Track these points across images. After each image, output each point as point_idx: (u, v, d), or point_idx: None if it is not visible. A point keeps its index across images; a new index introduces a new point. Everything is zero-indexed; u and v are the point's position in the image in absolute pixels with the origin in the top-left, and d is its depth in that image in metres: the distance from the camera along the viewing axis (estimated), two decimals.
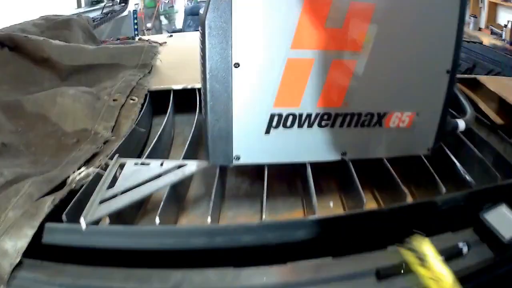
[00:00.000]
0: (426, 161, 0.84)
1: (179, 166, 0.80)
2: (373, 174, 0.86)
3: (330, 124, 0.78)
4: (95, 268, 0.64)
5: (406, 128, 0.81)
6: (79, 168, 0.84)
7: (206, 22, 0.68)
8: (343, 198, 0.86)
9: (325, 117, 0.77)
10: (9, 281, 0.62)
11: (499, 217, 0.63)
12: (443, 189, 0.75)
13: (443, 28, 0.77)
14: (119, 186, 0.79)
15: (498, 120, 1.06)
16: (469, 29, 4.77)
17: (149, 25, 5.80)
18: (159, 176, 0.79)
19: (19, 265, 0.63)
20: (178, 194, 0.83)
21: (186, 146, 0.90)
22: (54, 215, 0.70)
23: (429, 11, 0.76)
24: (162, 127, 0.99)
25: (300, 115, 0.77)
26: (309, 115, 0.77)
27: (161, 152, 0.97)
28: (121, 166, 0.86)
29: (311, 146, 0.79)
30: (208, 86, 0.71)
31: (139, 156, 0.92)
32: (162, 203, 0.73)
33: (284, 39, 0.72)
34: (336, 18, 0.73)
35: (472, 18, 4.99)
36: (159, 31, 6.14)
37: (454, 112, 0.94)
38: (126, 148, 0.93)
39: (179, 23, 6.51)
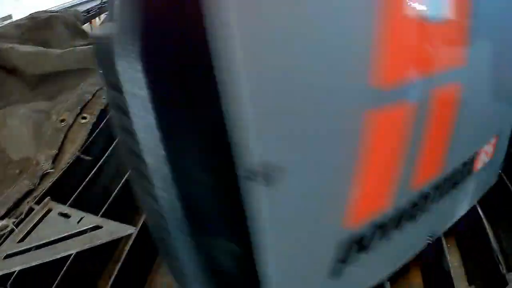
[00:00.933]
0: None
1: (94, 228, 0.64)
2: None
3: (422, 207, 0.44)
4: None
5: (489, 161, 0.52)
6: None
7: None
8: None
9: (421, 201, 0.42)
10: None
11: None
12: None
13: None
14: (32, 239, 0.67)
15: None
16: None
17: None
18: (71, 236, 0.64)
19: None
20: (90, 265, 0.66)
21: (112, 196, 0.73)
22: None
23: None
24: (106, 154, 0.83)
25: (394, 219, 0.40)
26: (400, 211, 0.41)
27: (100, 191, 0.80)
28: (48, 212, 0.73)
29: (393, 253, 0.45)
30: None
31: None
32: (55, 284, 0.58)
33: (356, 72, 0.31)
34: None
35: None
36: None
37: None
38: (63, 185, 0.79)
39: None
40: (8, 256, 0.65)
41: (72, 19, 1.45)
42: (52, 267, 0.61)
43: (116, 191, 0.73)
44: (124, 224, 0.64)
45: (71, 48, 1.16)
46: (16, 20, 1.44)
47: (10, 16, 2.32)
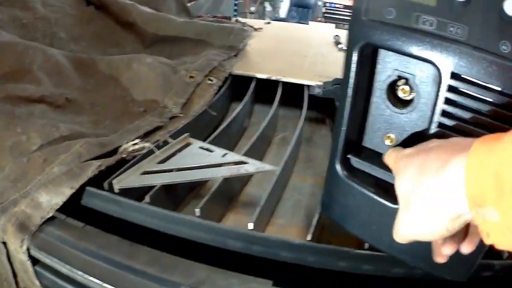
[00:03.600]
0: None
1: (239, 163, 0.77)
2: None
3: None
4: (123, 242, 0.66)
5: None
6: (136, 139, 0.85)
7: None
8: None
9: None
10: (35, 233, 0.65)
11: None
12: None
13: None
14: (171, 163, 0.80)
15: None
16: None
17: (252, 9, 5.96)
18: (215, 166, 0.77)
19: (50, 220, 0.67)
20: (231, 188, 0.81)
21: (251, 142, 0.88)
22: (99, 180, 0.73)
23: None
24: (234, 114, 0.98)
25: None
26: None
27: (228, 140, 0.95)
28: (187, 145, 0.86)
29: None
30: None
31: (205, 139, 0.90)
32: (208, 195, 0.71)
33: None
34: None
35: None
36: (262, 16, 6.33)
37: None
38: (192, 128, 0.93)
39: (283, 12, 6.76)
40: (146, 172, 0.77)
41: None
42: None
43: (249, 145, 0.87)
44: (267, 164, 0.77)
45: (192, 20, 1.33)
46: None
47: None
